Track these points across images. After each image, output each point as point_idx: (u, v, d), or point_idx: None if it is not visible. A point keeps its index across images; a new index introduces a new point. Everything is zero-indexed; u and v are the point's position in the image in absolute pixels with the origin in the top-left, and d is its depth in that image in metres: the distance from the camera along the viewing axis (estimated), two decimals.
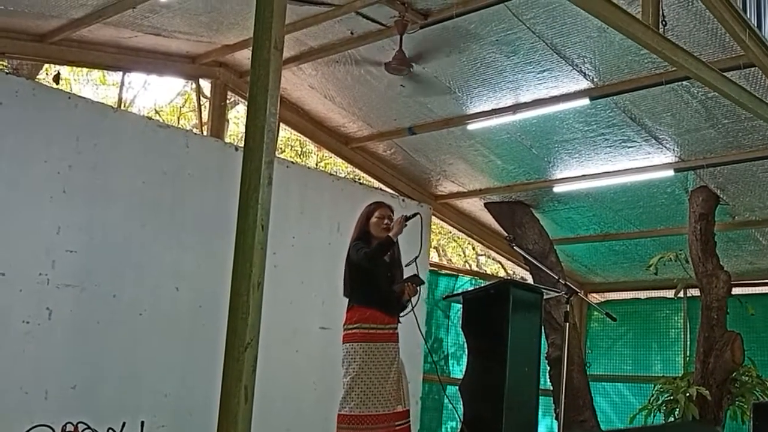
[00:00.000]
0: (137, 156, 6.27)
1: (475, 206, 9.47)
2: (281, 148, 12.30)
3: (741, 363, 7.43)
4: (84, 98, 6.42)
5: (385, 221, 5.15)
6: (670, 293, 8.97)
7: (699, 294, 7.82)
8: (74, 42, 6.78)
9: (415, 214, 5.19)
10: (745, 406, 7.30)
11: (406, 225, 5.09)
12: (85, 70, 11.04)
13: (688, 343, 9.14)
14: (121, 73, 7.98)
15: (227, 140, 8.25)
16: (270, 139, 2.84)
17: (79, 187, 5.91)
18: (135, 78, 11.54)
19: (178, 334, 6.29)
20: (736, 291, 7.88)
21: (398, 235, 5.02)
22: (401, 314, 5.13)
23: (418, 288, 5.11)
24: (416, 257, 5.17)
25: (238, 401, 2.60)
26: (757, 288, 9.19)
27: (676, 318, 9.75)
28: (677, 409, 7.27)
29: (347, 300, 5.07)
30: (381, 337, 4.93)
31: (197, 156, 6.64)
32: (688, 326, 9.26)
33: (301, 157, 12.83)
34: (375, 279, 5.01)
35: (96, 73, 11.59)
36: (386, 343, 4.95)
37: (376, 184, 8.90)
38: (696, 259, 7.73)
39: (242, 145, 2.95)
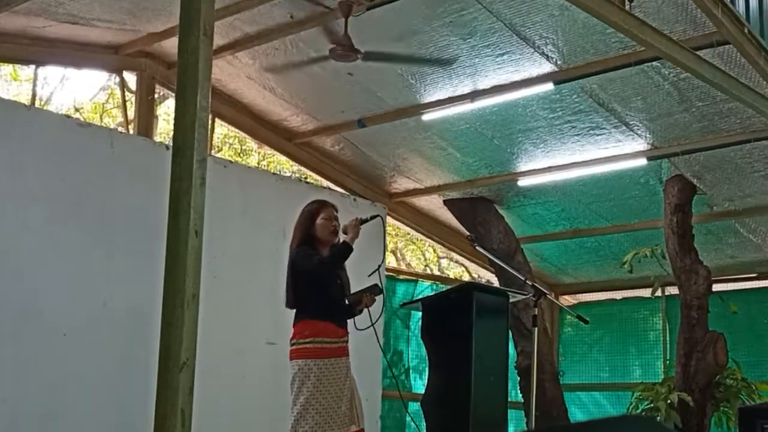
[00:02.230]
0: (56, 158, 6.18)
1: (433, 204, 9.51)
2: (218, 147, 12.22)
3: (725, 365, 7.55)
4: None
5: (333, 223, 5.11)
6: (646, 292, 9.09)
7: (677, 292, 7.93)
8: None
9: (374, 216, 5.17)
10: (731, 412, 7.41)
11: (360, 228, 5.05)
12: None
13: (668, 345, 9.28)
14: (34, 66, 7.87)
15: (157, 139, 8.18)
16: (201, 135, 2.83)
17: None
18: (51, 72, 11.38)
19: (108, 355, 6.21)
20: (717, 287, 8.00)
21: (356, 239, 4.98)
22: (361, 328, 5.12)
23: (375, 298, 5.10)
24: (379, 266, 5.16)
25: (174, 426, 2.59)
26: (739, 284, 9.35)
27: (654, 319, 9.90)
28: (658, 417, 7.37)
29: (294, 312, 5.04)
30: (334, 352, 4.92)
31: (124, 157, 6.56)
32: (667, 327, 9.40)
33: (241, 155, 12.76)
34: (326, 288, 4.99)
35: (7, 68, 11.39)
36: (339, 358, 4.93)
37: (325, 182, 8.90)
38: (673, 254, 7.85)
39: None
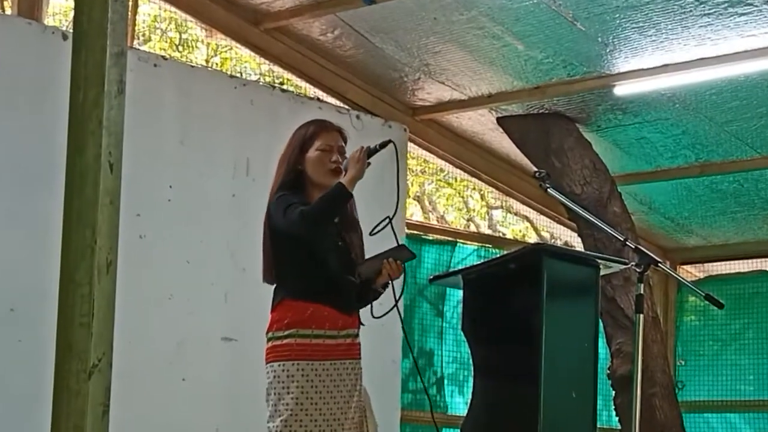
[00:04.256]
0: None
1: (482, 124, 9.51)
2: (145, 34, 12.22)
3: None
4: None
5: (334, 157, 5.13)
6: None
7: None
8: None
9: (385, 143, 5.18)
10: None
11: (369, 163, 5.06)
12: None
13: None
14: None
15: (48, 22, 8.18)
16: (118, 16, 2.84)
17: None
18: None
19: None
20: None
21: (358, 180, 4.99)
22: (378, 315, 5.15)
23: (403, 267, 5.11)
24: (390, 217, 5.18)
25: None
26: None
27: None
28: None
29: (273, 290, 5.09)
30: (332, 351, 4.95)
31: None
32: None
33: (181, 48, 12.77)
34: (320, 254, 5.02)
35: None
36: (341, 360, 4.97)
37: (312, 90, 8.89)
38: None
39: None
